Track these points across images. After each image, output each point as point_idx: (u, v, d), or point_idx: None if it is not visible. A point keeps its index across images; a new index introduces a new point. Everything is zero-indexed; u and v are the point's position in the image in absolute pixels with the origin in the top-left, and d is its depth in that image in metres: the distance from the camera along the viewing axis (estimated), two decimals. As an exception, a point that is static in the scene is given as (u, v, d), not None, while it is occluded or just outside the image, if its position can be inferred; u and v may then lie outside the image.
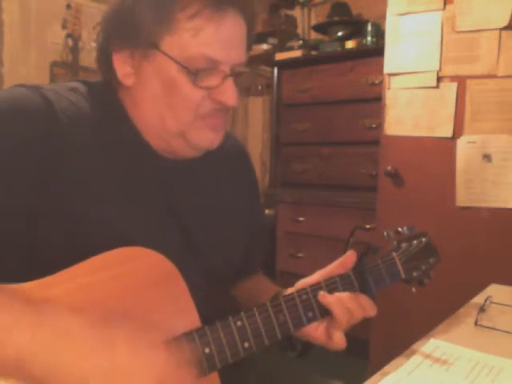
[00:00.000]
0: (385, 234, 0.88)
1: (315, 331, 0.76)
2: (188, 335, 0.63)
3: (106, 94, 0.76)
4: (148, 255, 0.63)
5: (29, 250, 0.65)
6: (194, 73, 0.69)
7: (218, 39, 0.69)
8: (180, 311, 0.65)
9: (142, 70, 0.71)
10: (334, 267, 0.79)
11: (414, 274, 0.87)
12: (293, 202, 2.65)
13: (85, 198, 0.67)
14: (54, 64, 2.77)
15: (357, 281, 0.79)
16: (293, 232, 2.64)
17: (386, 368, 0.75)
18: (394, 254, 0.86)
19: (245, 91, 3.37)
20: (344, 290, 0.77)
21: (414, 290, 0.88)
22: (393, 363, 0.76)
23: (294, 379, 0.91)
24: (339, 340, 0.75)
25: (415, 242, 0.89)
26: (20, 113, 0.65)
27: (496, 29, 1.64)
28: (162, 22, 0.68)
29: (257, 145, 3.37)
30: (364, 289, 0.79)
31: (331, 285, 0.77)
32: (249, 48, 0.76)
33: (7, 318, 0.50)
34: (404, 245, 0.88)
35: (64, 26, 2.74)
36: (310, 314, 0.74)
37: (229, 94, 0.72)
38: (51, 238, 0.65)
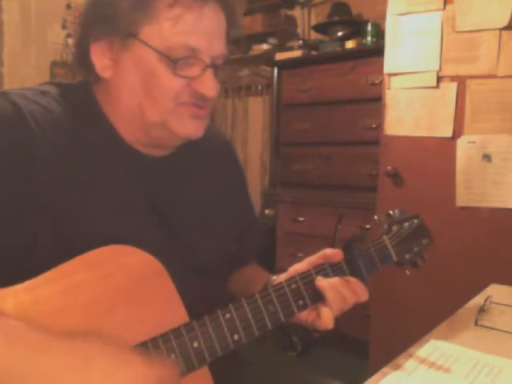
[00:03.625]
0: (375, 217, 0.87)
1: (303, 313, 0.75)
2: (175, 331, 0.62)
3: (80, 94, 0.75)
4: (132, 253, 0.63)
5: (14, 252, 0.64)
6: (174, 61, 0.69)
7: (198, 28, 0.69)
8: (167, 308, 0.64)
9: (120, 61, 0.71)
10: (320, 257, 0.78)
11: (407, 256, 0.86)
12: (293, 202, 2.65)
13: (65, 198, 0.66)
14: (54, 64, 2.77)
15: (347, 266, 0.78)
16: (293, 232, 2.64)
17: (386, 368, 0.75)
18: (385, 237, 0.85)
19: (245, 91, 3.37)
20: (335, 276, 0.76)
21: (407, 272, 0.87)
22: (393, 363, 0.76)
23: (293, 379, 0.91)
24: (327, 317, 0.73)
25: (406, 224, 0.88)
26: None
27: (496, 29, 1.64)
28: (140, 10, 0.68)
29: (257, 145, 3.37)
30: (355, 274, 0.78)
31: (321, 271, 0.76)
32: (228, 45, 0.75)
33: None
34: (395, 227, 0.87)
35: (64, 26, 2.74)
36: (301, 303, 0.73)
37: (208, 84, 0.71)
38: (35, 240, 0.64)
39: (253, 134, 3.40)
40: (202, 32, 0.69)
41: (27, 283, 0.57)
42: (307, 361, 2.30)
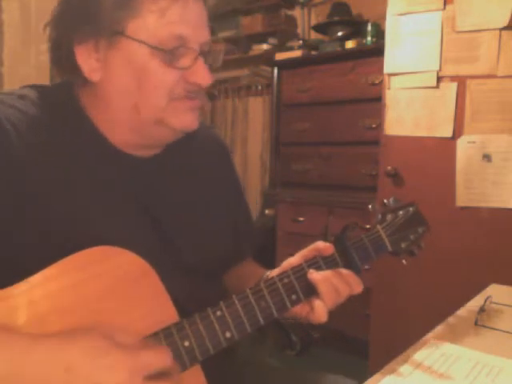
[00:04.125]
0: (369, 207, 0.86)
1: (297, 307, 0.74)
2: (165, 330, 0.62)
3: (60, 96, 0.74)
4: (120, 254, 0.62)
5: (1, 254, 0.64)
6: (171, 52, 0.68)
7: (185, 18, 0.69)
8: (156, 308, 0.64)
9: (109, 62, 0.69)
10: (312, 250, 0.77)
11: (402, 245, 0.84)
12: (293, 202, 2.65)
13: (49, 203, 0.65)
14: (54, 64, 2.77)
15: (341, 258, 0.77)
16: (293, 232, 2.64)
17: (386, 368, 0.75)
18: (379, 226, 0.83)
19: (245, 91, 3.37)
20: (328, 269, 0.75)
21: (404, 262, 0.85)
22: (393, 363, 0.76)
23: (293, 378, 0.91)
24: (321, 310, 0.72)
25: (401, 212, 0.87)
26: None
27: (496, 29, 1.64)
28: (124, 6, 0.67)
29: (257, 145, 3.37)
30: (349, 266, 0.77)
31: (314, 265, 0.75)
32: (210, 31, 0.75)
33: None
34: (389, 216, 0.85)
35: (64, 26, 2.74)
36: (294, 297, 0.72)
37: (202, 73, 0.71)
38: (21, 245, 0.64)
39: (253, 134, 3.40)
40: (189, 21, 0.69)
41: (13, 287, 0.56)
42: (306, 360, 2.30)
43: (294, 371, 0.92)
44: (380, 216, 0.85)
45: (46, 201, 0.65)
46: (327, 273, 0.74)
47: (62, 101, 0.73)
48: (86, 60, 0.70)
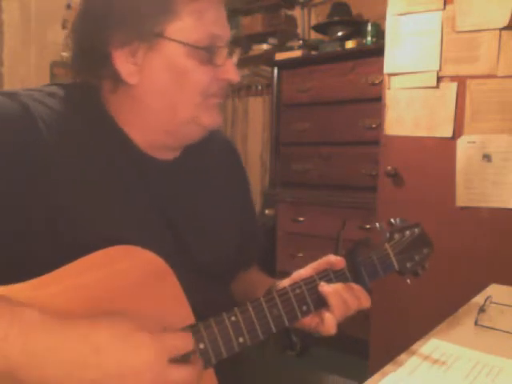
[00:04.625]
0: (377, 225, 0.88)
1: (307, 318, 0.75)
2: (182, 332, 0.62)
3: (85, 96, 0.74)
4: (139, 253, 0.63)
5: (18, 251, 0.64)
6: (211, 50, 0.71)
7: (219, 18, 0.73)
8: (173, 309, 0.65)
9: (147, 65, 0.71)
10: (324, 263, 0.79)
11: (408, 264, 0.86)
12: (293, 202, 2.65)
13: (71, 201, 0.66)
14: (54, 64, 2.77)
15: (350, 273, 0.78)
16: (293, 232, 2.64)
17: (386, 368, 0.75)
18: (387, 244, 0.85)
19: (245, 91, 3.37)
20: (337, 282, 0.76)
21: (408, 281, 0.87)
22: (393, 363, 0.76)
23: (293, 378, 0.91)
24: (330, 323, 0.74)
25: (408, 232, 0.88)
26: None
27: (496, 29, 1.64)
28: (163, 10, 0.69)
29: (257, 145, 3.37)
30: (357, 281, 0.78)
31: (324, 277, 0.76)
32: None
33: None
34: (397, 235, 0.87)
35: (64, 26, 2.74)
36: (305, 308, 0.74)
37: (233, 70, 0.74)
38: (40, 241, 0.64)
39: (253, 134, 3.40)
40: (221, 20, 0.73)
41: (31, 282, 0.57)
42: (307, 360, 2.30)
43: (295, 371, 0.92)
44: (388, 234, 0.87)
45: (69, 199, 0.66)
46: (338, 286, 0.75)
47: (87, 101, 0.74)
48: (124, 64, 0.71)
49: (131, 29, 0.69)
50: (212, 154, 0.87)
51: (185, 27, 0.70)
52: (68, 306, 0.57)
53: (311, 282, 0.75)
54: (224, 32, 0.73)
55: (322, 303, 0.75)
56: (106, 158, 0.71)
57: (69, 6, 2.74)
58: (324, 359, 2.31)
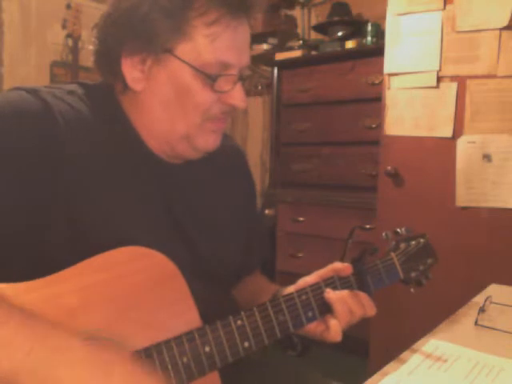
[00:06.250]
0: (383, 234, 0.88)
1: (312, 325, 0.76)
2: (188, 334, 0.63)
3: (104, 97, 0.75)
4: (149, 255, 0.64)
5: (30, 249, 0.65)
6: (213, 78, 0.70)
7: (233, 45, 0.71)
8: (181, 311, 0.65)
9: (153, 75, 0.71)
10: (330, 270, 0.79)
11: (412, 274, 0.87)
12: (293, 202, 2.65)
13: (86, 199, 0.67)
14: (54, 64, 2.77)
15: (355, 281, 0.79)
16: (293, 232, 2.64)
17: (386, 368, 0.75)
18: (393, 254, 0.86)
19: (245, 91, 3.37)
20: (343, 290, 0.77)
21: (412, 290, 0.89)
22: (393, 363, 0.76)
23: (293, 378, 0.91)
24: (336, 330, 0.74)
25: (413, 242, 0.90)
26: (20, 116, 0.65)
27: (496, 29, 1.64)
28: (177, 28, 0.69)
29: (257, 145, 3.37)
30: (363, 289, 0.79)
31: (330, 284, 0.77)
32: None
33: (4, 333, 0.49)
34: (402, 245, 0.88)
35: (64, 26, 2.74)
36: (310, 314, 0.74)
37: (240, 97, 0.73)
38: (53, 238, 0.65)
39: (253, 134, 3.40)
40: (236, 48, 0.71)
41: (41, 280, 0.57)
42: (307, 360, 2.29)
43: (296, 372, 0.92)
44: (394, 243, 0.88)
45: (83, 199, 0.66)
46: (343, 293, 0.76)
47: (105, 101, 0.75)
48: (131, 70, 0.72)
49: (143, 40, 0.70)
50: (220, 159, 0.87)
51: (195, 49, 0.69)
52: (77, 304, 0.57)
53: (317, 289, 0.76)
54: (237, 60, 0.72)
55: (326, 309, 0.75)
56: (121, 157, 0.72)
57: (69, 6, 2.74)
58: (324, 359, 2.31)
